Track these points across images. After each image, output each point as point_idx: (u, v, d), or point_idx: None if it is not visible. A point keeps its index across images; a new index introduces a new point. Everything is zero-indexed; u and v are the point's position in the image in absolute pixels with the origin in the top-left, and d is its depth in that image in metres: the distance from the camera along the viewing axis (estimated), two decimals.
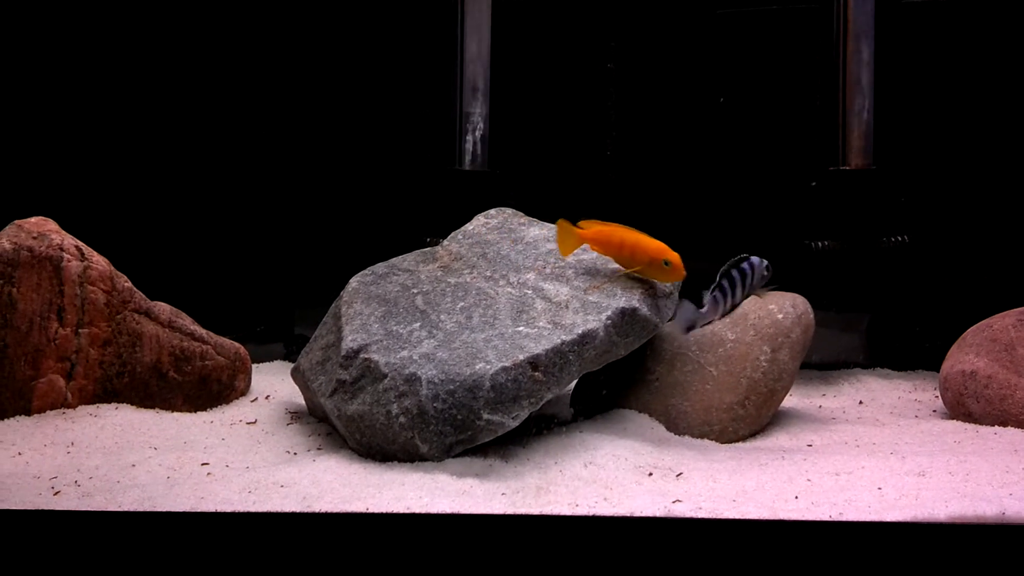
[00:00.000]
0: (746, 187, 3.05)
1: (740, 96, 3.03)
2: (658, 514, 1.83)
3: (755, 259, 2.45)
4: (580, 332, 2.19)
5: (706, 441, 2.33)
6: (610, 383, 2.47)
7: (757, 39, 3.01)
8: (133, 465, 2.09)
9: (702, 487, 1.99)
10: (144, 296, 2.55)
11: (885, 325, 3.12)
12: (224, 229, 3.11)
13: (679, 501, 1.88)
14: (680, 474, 2.07)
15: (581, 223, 2.35)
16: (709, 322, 2.43)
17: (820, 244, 2.89)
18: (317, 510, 1.83)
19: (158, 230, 3.08)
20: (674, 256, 2.28)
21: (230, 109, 3.06)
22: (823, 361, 3.05)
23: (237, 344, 2.66)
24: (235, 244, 3.12)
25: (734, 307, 2.45)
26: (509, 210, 2.65)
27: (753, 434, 2.41)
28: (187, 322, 2.60)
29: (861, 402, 2.79)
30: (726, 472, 2.09)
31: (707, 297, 2.41)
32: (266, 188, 3.11)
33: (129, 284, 2.52)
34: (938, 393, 2.70)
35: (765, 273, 2.47)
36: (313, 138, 3.07)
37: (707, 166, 3.05)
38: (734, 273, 2.43)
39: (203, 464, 2.12)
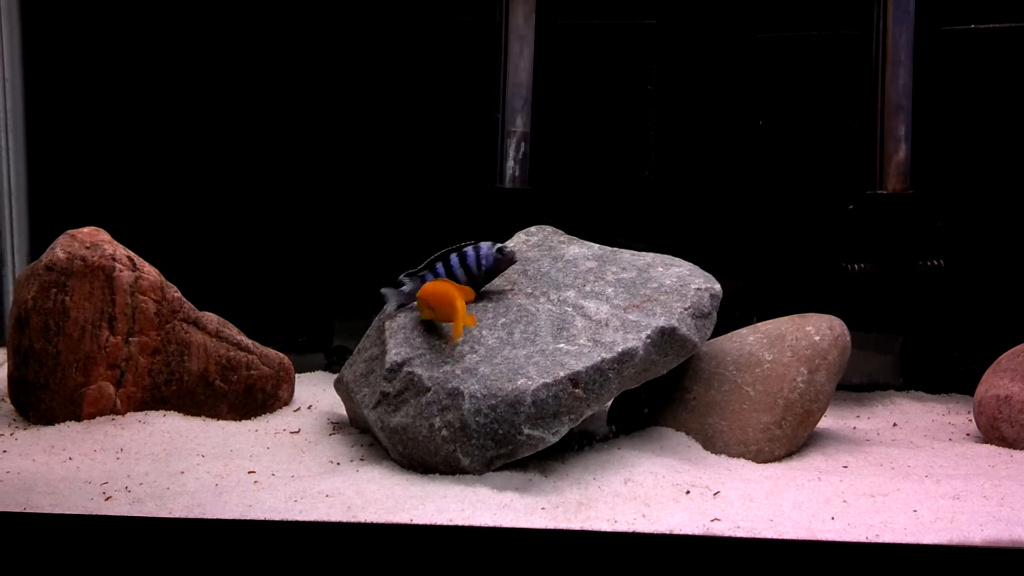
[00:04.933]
0: (784, 209, 3.04)
1: (779, 119, 3.03)
2: (696, 532, 1.84)
3: (484, 244, 2.29)
4: (620, 350, 2.20)
5: (742, 460, 2.30)
6: (649, 401, 2.47)
7: (796, 64, 3.01)
8: (182, 472, 2.10)
9: (739, 506, 1.98)
10: (193, 306, 2.55)
11: (920, 348, 3.11)
12: (269, 241, 3.14)
13: (717, 520, 1.88)
14: (717, 493, 2.05)
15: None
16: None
17: (856, 266, 2.88)
18: (363, 520, 1.86)
19: (206, 242, 3.11)
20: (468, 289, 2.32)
21: (276, 122, 3.09)
22: (857, 383, 3.03)
23: (281, 355, 2.64)
24: (279, 256, 3.14)
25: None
26: (549, 228, 2.62)
27: (789, 454, 2.40)
28: (233, 332, 2.59)
29: (895, 424, 2.78)
30: (763, 492, 2.07)
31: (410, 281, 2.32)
32: (311, 203, 3.13)
33: (178, 294, 2.52)
34: (972, 417, 2.68)
35: (497, 257, 2.28)
36: (358, 154, 3.09)
37: (745, 188, 3.04)
38: (452, 258, 2.31)
39: (250, 472, 2.11)
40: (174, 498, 1.93)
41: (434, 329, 2.30)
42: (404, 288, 2.39)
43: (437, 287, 2.27)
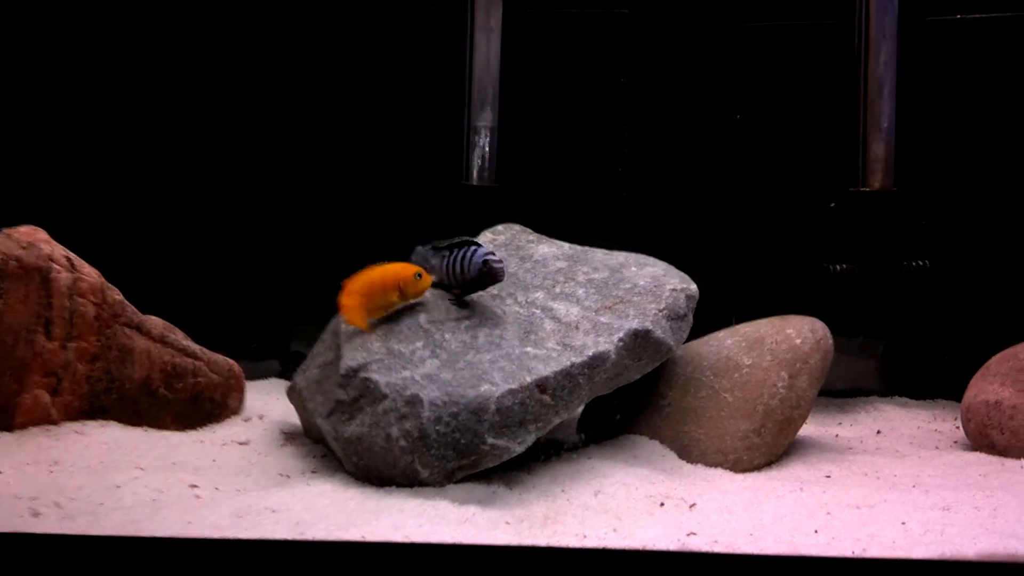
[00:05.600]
0: (763, 207, 3.02)
1: (758, 113, 3.00)
2: (672, 548, 1.77)
3: (480, 249, 2.20)
4: (591, 354, 2.15)
5: (720, 470, 2.27)
6: (621, 408, 2.42)
7: (776, 55, 2.98)
8: (118, 486, 2.00)
9: (717, 519, 1.94)
10: (135, 310, 2.47)
11: (904, 352, 3.08)
12: (219, 242, 3.08)
13: (693, 534, 1.83)
14: (694, 505, 2.01)
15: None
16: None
17: (838, 267, 2.86)
18: (310, 537, 1.76)
19: (150, 242, 3.04)
20: (418, 268, 2.23)
21: (227, 119, 3.03)
22: (840, 388, 2.99)
23: (231, 361, 2.59)
24: (230, 257, 3.08)
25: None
26: (517, 226, 2.60)
27: (769, 463, 2.36)
28: (179, 337, 2.52)
29: (879, 432, 2.75)
30: (742, 503, 2.03)
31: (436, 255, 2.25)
32: (264, 201, 3.07)
33: (120, 297, 2.44)
34: (959, 423, 2.65)
35: (480, 268, 2.19)
36: (314, 149, 3.04)
37: (723, 185, 3.02)
38: (457, 252, 2.22)
39: (192, 486, 2.03)
40: (108, 514, 1.85)
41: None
42: (431, 260, 2.29)
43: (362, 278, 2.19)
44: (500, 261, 2.21)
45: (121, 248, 2.90)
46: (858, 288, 2.88)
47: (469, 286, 2.26)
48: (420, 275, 2.21)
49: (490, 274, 2.21)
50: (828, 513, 1.98)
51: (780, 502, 2.04)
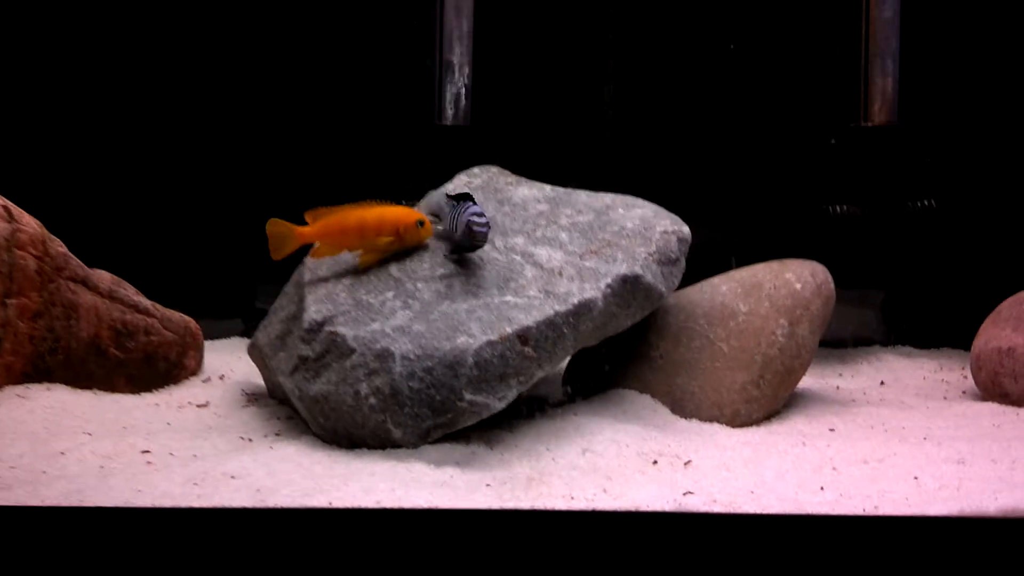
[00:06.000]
0: (759, 146, 2.94)
1: (752, 43, 2.92)
2: (667, 508, 1.71)
3: (471, 210, 2.10)
4: (576, 302, 2.08)
5: (716, 425, 2.23)
6: (609, 360, 2.36)
7: None
8: (62, 453, 1.94)
9: (715, 477, 1.89)
10: (81, 263, 2.39)
11: (907, 298, 3.03)
12: (175, 188, 2.97)
13: (690, 493, 1.77)
14: (689, 462, 1.97)
15: (307, 215, 2.17)
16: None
17: (839, 208, 2.81)
18: (272, 505, 1.68)
19: (98, 189, 2.94)
20: (420, 215, 2.15)
21: (185, 63, 2.94)
22: (839, 337, 2.93)
23: (187, 318, 2.55)
24: (188, 205, 2.98)
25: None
26: (495, 168, 2.52)
27: (768, 417, 2.31)
28: (130, 292, 2.46)
29: (883, 383, 2.71)
30: (741, 460, 2.00)
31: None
32: (222, 142, 2.97)
33: (64, 249, 2.36)
34: (968, 373, 2.62)
35: (465, 232, 2.11)
36: (273, 88, 2.94)
37: (716, 121, 2.95)
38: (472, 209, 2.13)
39: (143, 452, 1.97)
40: (50, 483, 1.78)
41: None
42: (444, 208, 2.21)
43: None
44: (485, 224, 2.09)
45: (66, 197, 2.81)
46: (859, 231, 2.83)
47: (456, 246, 2.17)
48: (422, 223, 2.14)
49: (471, 237, 2.11)
50: (834, 468, 1.93)
51: (782, 458, 2.00)
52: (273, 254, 2.19)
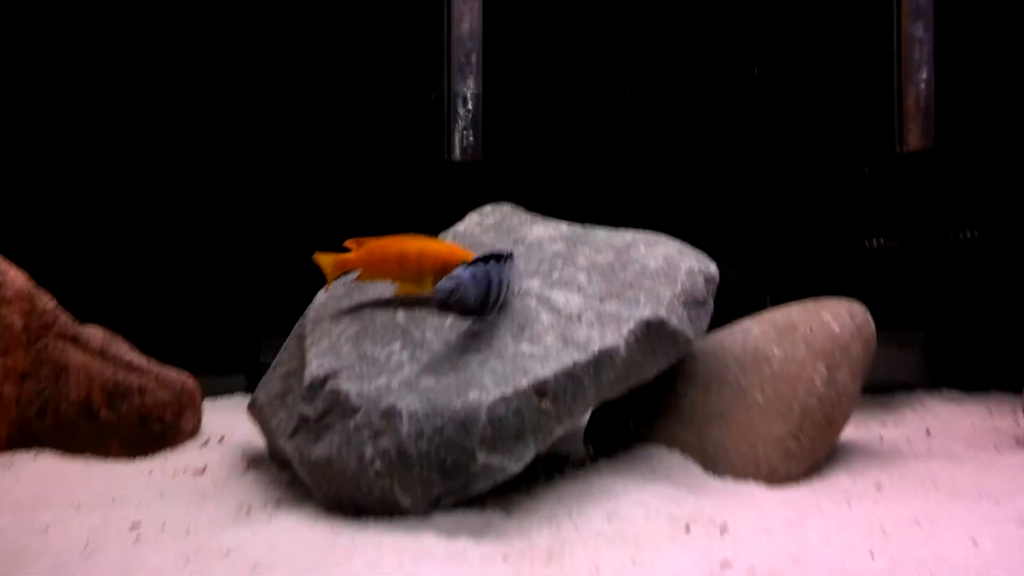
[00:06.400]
0: (788, 176, 2.89)
1: (778, 67, 2.87)
2: None
3: (495, 269, 2.01)
4: (596, 350, 1.99)
5: (752, 483, 2.12)
6: (633, 413, 2.26)
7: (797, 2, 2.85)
8: (48, 526, 1.89)
9: (754, 543, 1.78)
10: (71, 319, 2.37)
11: (951, 338, 2.93)
12: (172, 234, 2.94)
13: (728, 564, 1.67)
14: (725, 526, 1.86)
15: (350, 243, 2.13)
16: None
17: (876, 242, 2.74)
18: None
19: (90, 237, 2.90)
20: (467, 254, 2.05)
21: (187, 101, 2.91)
22: (878, 382, 2.84)
23: (184, 375, 2.48)
24: (186, 252, 2.95)
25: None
26: (508, 206, 2.49)
27: (808, 473, 2.19)
28: (124, 349, 2.42)
29: (929, 431, 2.60)
30: (781, 523, 1.88)
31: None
32: (225, 187, 2.94)
33: (53, 304, 2.34)
34: (1021, 419, 2.55)
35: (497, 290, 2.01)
36: (281, 129, 2.92)
37: (741, 150, 2.88)
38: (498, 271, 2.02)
39: (133, 524, 1.91)
40: (34, 560, 1.74)
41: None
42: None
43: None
44: (450, 291, 1.93)
45: (56, 248, 2.79)
46: (898, 265, 2.76)
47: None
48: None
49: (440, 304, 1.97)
50: (883, 531, 1.83)
51: (826, 519, 1.90)
52: (328, 281, 2.16)
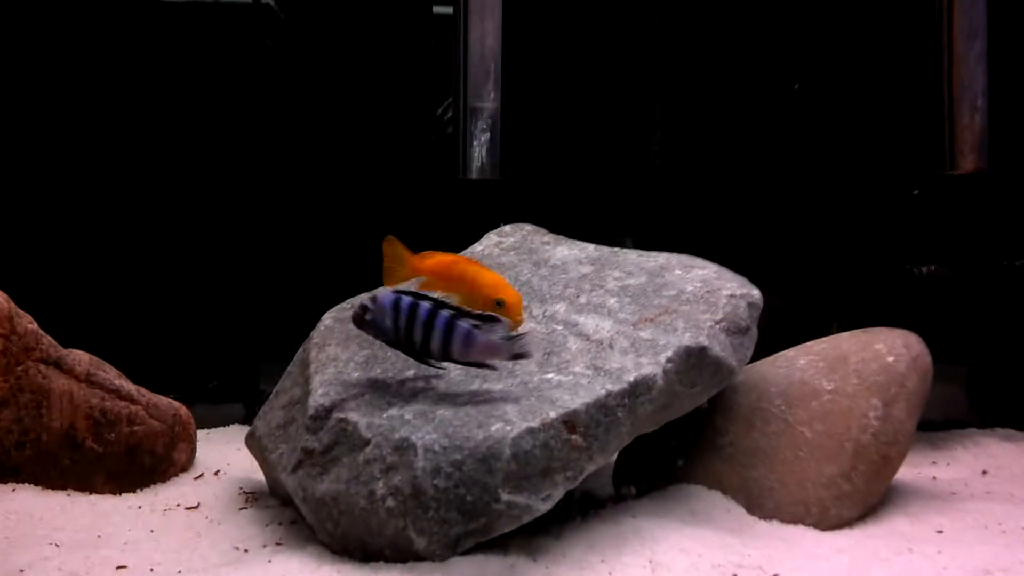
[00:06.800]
0: (830, 199, 2.80)
1: (821, 81, 2.79)
2: None
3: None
4: (631, 380, 1.86)
5: (801, 527, 1.99)
6: (670, 449, 2.13)
7: (841, 10, 2.77)
8: (22, 571, 1.80)
9: None
10: (54, 343, 2.27)
11: (1006, 371, 2.81)
12: (165, 253, 2.85)
13: None
14: (775, 575, 1.73)
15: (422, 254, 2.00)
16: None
17: (925, 269, 2.63)
18: None
19: (75, 256, 2.82)
20: (511, 295, 1.89)
21: (195, 117, 2.85)
22: (927, 419, 2.67)
23: (176, 403, 2.39)
24: (181, 273, 2.86)
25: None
26: (529, 226, 2.40)
27: (862, 516, 2.06)
28: (111, 375, 2.31)
29: (985, 472, 2.46)
30: (838, 571, 1.77)
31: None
32: (224, 199, 2.86)
33: (34, 326, 2.24)
34: None
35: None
36: (285, 143, 2.85)
37: (780, 172, 2.80)
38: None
39: (119, 568, 1.82)
40: None
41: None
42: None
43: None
44: (366, 308, 1.86)
45: (39, 267, 2.73)
46: (949, 294, 2.65)
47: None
48: (501, 303, 1.89)
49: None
50: None
51: (887, 568, 1.78)
52: (386, 279, 1.97)
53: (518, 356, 1.83)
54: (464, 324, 1.81)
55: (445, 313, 1.82)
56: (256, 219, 2.84)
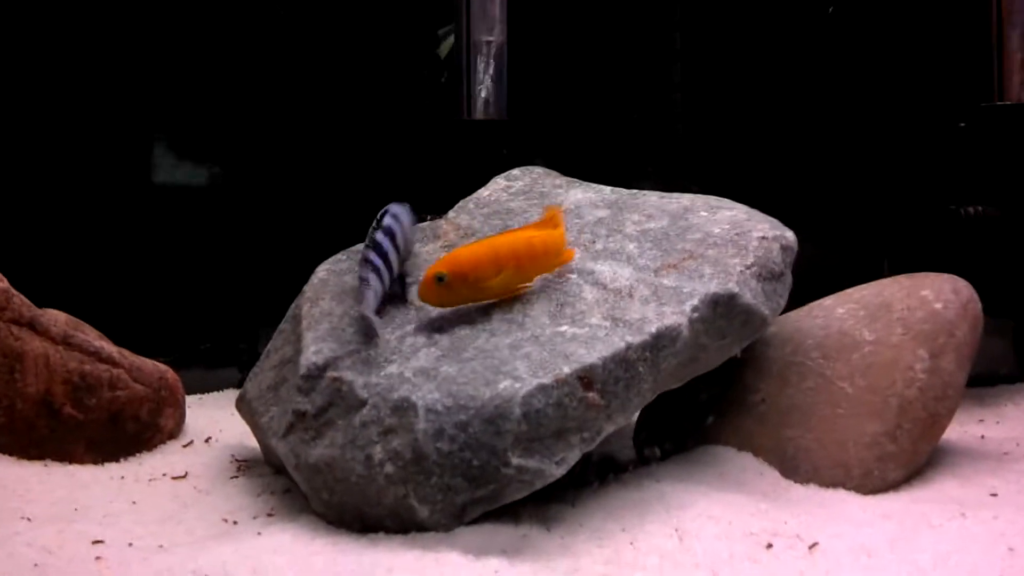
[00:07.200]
0: (870, 133, 2.72)
1: (859, 5, 2.71)
2: None
3: (393, 207, 1.96)
4: (653, 331, 1.79)
5: (842, 491, 1.94)
6: (696, 408, 2.08)
7: None
8: None
9: (853, 566, 1.62)
10: (28, 302, 2.22)
11: None
12: (152, 209, 2.80)
13: None
14: (815, 545, 1.68)
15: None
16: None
17: (972, 210, 2.56)
18: None
19: (57, 212, 2.76)
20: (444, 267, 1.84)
21: (174, 57, 2.80)
22: (972, 373, 2.59)
23: (162, 366, 2.34)
24: (170, 227, 2.81)
25: (395, 281, 1.94)
26: (539, 169, 2.35)
27: (907, 479, 1.99)
28: (90, 337, 2.26)
29: None
30: (884, 540, 1.70)
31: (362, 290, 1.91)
32: (216, 150, 2.83)
33: (4, 284, 2.21)
34: None
35: (410, 218, 1.97)
36: (278, 91, 2.79)
37: (814, 108, 2.73)
38: (381, 241, 1.91)
39: (95, 542, 1.77)
40: None
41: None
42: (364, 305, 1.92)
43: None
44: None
45: (15, 223, 2.66)
46: (998, 236, 2.58)
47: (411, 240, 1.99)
48: (441, 278, 1.84)
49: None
50: (1010, 549, 1.66)
51: (938, 535, 1.72)
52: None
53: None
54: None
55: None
56: (251, 167, 2.80)
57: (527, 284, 1.84)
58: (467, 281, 1.79)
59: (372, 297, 1.85)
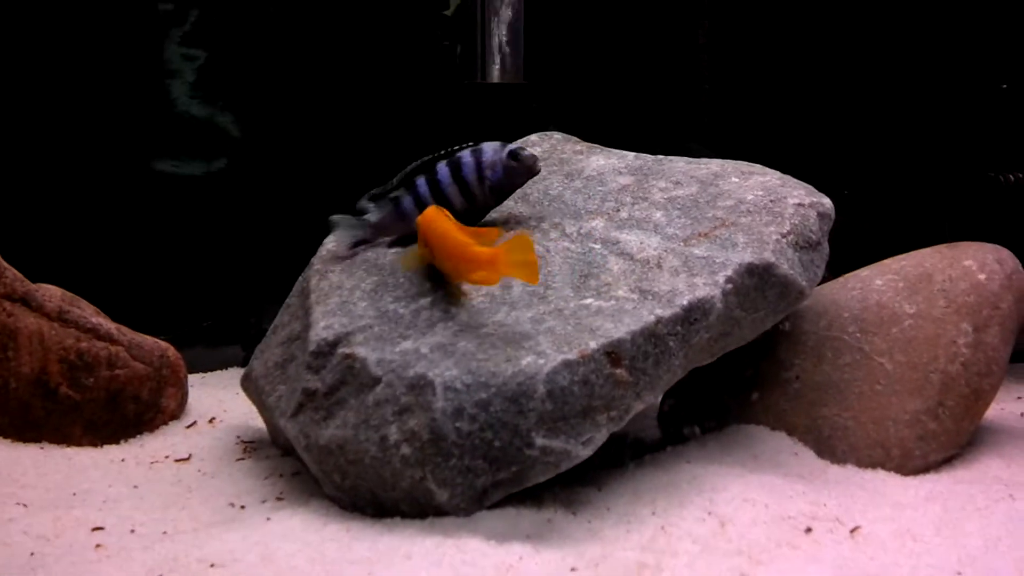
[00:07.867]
0: (904, 95, 2.67)
1: None
2: None
3: (487, 147, 1.92)
4: (685, 303, 1.75)
5: (881, 472, 1.90)
6: (727, 384, 2.04)
7: None
8: None
9: (898, 551, 1.58)
10: (21, 277, 2.21)
11: None
12: (152, 183, 2.77)
13: None
14: (856, 528, 1.65)
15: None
16: (390, 239, 1.94)
17: (1012, 176, 2.51)
18: None
19: (54, 185, 2.74)
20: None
21: (177, 26, 2.79)
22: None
23: (163, 344, 2.31)
24: (171, 201, 2.78)
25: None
26: (558, 134, 2.29)
27: (949, 459, 1.95)
28: (87, 313, 2.24)
29: None
30: (929, 523, 1.67)
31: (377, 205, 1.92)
32: (221, 122, 2.81)
33: None
34: None
35: (509, 165, 1.89)
36: (286, 58, 2.76)
37: (847, 69, 2.68)
38: (440, 168, 1.89)
39: (94, 529, 1.77)
40: None
41: (434, 279, 1.86)
42: (368, 216, 1.96)
43: (439, 219, 1.81)
44: (523, 148, 1.92)
45: (10, 195, 2.64)
46: None
47: (496, 195, 1.92)
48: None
49: (525, 166, 1.89)
50: None
51: (986, 518, 1.70)
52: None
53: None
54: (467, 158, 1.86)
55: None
56: (259, 135, 2.78)
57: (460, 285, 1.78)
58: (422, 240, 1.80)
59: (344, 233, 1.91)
